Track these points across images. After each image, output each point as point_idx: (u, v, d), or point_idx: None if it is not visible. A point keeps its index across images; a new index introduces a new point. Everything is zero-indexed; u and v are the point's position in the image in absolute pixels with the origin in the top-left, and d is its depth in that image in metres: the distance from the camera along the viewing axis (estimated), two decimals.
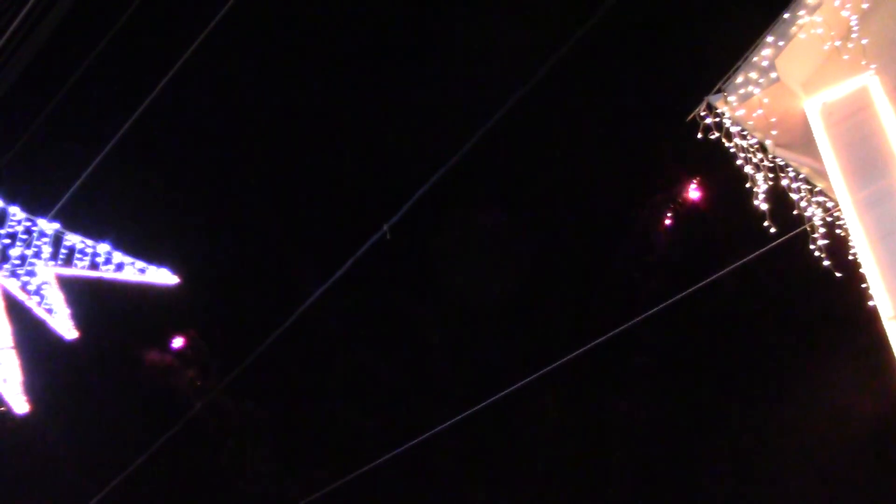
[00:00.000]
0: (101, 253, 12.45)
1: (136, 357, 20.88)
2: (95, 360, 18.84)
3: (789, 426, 19.01)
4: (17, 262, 12.25)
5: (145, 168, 18.72)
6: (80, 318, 12.68)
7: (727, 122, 9.77)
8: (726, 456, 20.15)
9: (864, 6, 9.32)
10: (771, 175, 10.19)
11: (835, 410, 17.98)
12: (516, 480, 21.49)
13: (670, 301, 9.95)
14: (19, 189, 12.39)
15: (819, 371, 18.50)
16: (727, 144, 9.90)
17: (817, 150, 9.49)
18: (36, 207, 12.20)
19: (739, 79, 9.58)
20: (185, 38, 8.35)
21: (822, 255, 10.41)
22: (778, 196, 10.34)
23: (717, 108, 9.73)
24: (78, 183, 9.73)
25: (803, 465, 18.71)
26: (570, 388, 20.29)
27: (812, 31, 9.31)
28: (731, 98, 9.61)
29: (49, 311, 12.50)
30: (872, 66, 9.26)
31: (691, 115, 9.80)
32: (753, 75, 9.50)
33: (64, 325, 12.59)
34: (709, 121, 9.76)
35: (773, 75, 9.40)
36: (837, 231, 10.59)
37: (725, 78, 9.67)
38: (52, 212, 11.83)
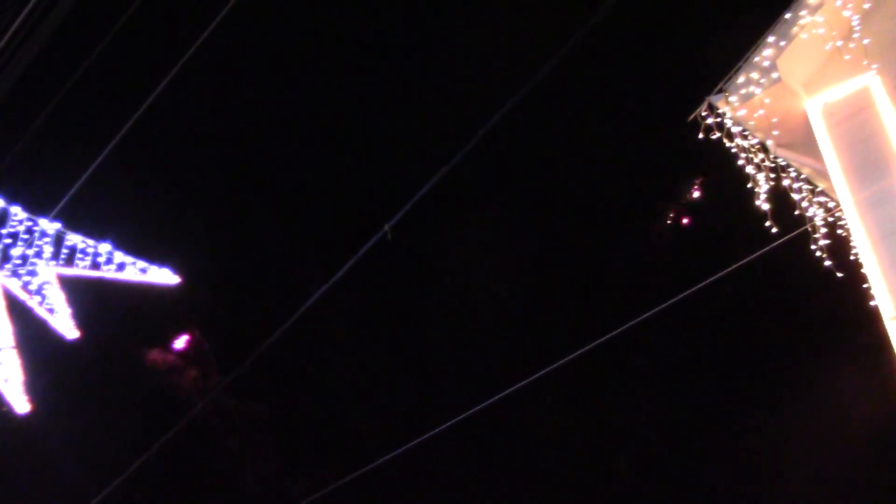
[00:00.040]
0: (103, 253, 12.44)
1: (138, 357, 20.89)
2: (97, 360, 18.82)
3: (790, 426, 19.00)
4: (19, 261, 12.24)
5: (146, 168, 18.72)
6: (81, 318, 12.67)
7: (728, 123, 9.77)
8: (727, 456, 20.14)
9: (866, 6, 9.32)
10: (772, 175, 10.19)
11: (836, 410, 17.98)
12: (517, 480, 21.49)
13: (671, 301, 9.92)
14: (21, 189, 12.39)
15: (820, 371, 18.51)
16: (728, 144, 9.90)
17: (818, 151, 9.49)
18: (37, 207, 12.21)
19: (741, 79, 9.58)
20: (185, 38, 8.35)
21: (824, 256, 10.41)
22: (779, 196, 10.34)
23: (718, 109, 9.73)
24: (79, 183, 9.71)
25: (804, 465, 18.69)
26: (571, 389, 20.30)
27: (813, 31, 9.31)
28: (733, 98, 9.61)
29: (50, 310, 12.50)
30: (874, 66, 9.26)
31: (692, 116, 9.80)
32: (755, 75, 9.50)
33: (65, 325, 12.57)
34: (710, 121, 9.76)
35: (774, 75, 9.40)
36: (839, 231, 10.60)
37: (727, 78, 9.67)
38: (54, 211, 11.82)
